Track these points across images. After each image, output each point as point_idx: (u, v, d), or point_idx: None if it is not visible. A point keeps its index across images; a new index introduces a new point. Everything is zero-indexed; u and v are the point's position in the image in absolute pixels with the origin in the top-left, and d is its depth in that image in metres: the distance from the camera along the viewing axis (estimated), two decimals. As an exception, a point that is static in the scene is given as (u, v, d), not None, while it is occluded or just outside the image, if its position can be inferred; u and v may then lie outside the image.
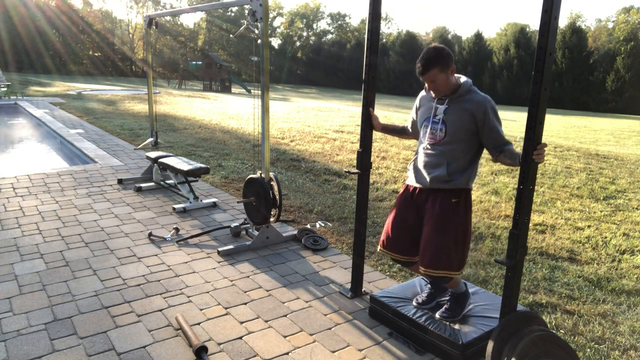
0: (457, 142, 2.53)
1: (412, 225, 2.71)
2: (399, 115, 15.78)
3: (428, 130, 2.61)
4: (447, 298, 2.84)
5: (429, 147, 2.61)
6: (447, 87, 2.52)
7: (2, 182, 5.68)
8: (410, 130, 2.95)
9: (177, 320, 2.79)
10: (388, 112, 17.90)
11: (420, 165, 2.67)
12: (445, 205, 2.56)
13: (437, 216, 2.57)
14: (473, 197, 5.56)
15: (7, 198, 5.09)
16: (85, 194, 5.35)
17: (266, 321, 2.90)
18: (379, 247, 2.85)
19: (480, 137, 2.52)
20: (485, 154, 2.72)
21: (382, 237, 2.84)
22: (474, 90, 2.53)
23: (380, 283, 3.46)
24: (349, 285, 3.36)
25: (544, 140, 2.18)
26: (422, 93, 2.74)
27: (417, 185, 2.69)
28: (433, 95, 2.61)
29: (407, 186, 2.78)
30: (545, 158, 8.59)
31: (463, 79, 2.57)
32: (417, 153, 2.74)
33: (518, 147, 2.23)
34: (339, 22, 66.81)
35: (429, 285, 2.95)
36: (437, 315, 2.74)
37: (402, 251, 2.77)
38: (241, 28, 4.04)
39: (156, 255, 3.81)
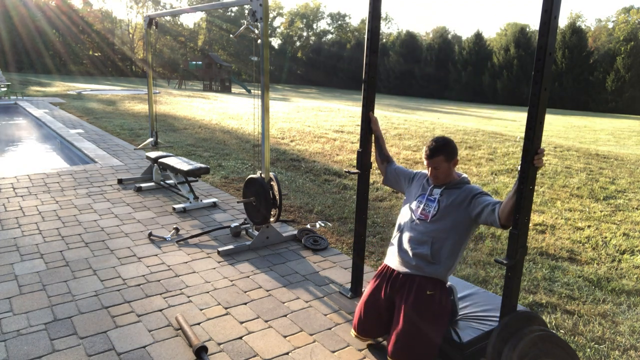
0: (446, 222, 2.55)
1: (384, 309, 2.61)
2: (399, 115, 15.78)
3: (421, 205, 2.66)
4: None
5: (418, 222, 2.63)
6: (447, 176, 2.63)
7: (2, 182, 5.68)
8: (392, 171, 3.00)
9: (177, 320, 2.79)
10: (388, 112, 17.90)
11: (405, 240, 2.63)
12: (419, 298, 2.49)
13: (410, 308, 2.47)
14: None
15: (7, 198, 5.09)
16: (85, 194, 5.35)
17: (266, 321, 2.90)
18: (352, 332, 2.73)
19: (474, 209, 2.50)
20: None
21: (355, 319, 2.71)
22: (468, 182, 2.67)
23: (380, 283, 3.45)
24: (349, 285, 3.36)
25: (544, 140, 2.19)
26: (423, 172, 2.83)
27: (395, 268, 2.63)
28: (432, 181, 2.69)
29: (385, 266, 2.71)
30: (545, 158, 8.59)
31: (463, 175, 2.70)
32: (400, 231, 2.70)
33: (518, 147, 2.23)
34: (339, 22, 66.84)
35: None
36: None
37: (373, 335, 2.68)
38: (241, 28, 4.04)
39: (156, 255, 3.81)
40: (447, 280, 2.61)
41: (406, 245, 2.62)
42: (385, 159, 3.07)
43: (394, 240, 2.73)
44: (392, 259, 2.69)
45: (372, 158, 3.13)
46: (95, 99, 16.93)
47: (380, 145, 3.08)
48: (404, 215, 2.75)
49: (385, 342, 2.66)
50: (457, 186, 2.63)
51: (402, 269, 2.60)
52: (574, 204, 5.77)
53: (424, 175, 2.81)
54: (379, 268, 2.76)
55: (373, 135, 3.06)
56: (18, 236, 4.07)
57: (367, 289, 2.74)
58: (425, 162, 2.63)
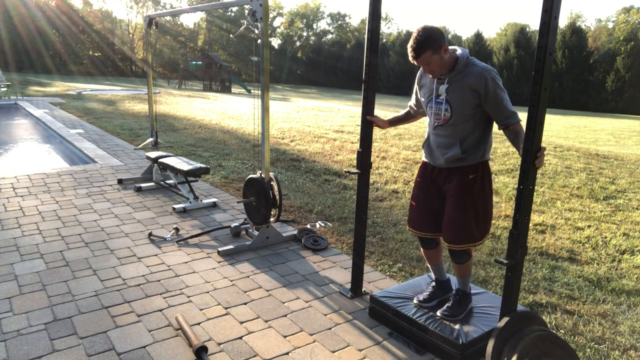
0: (465, 119, 2.51)
1: (433, 203, 2.73)
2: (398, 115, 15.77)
3: (433, 111, 2.60)
4: (451, 295, 2.85)
5: (439, 127, 2.60)
6: (442, 66, 2.46)
7: (2, 182, 5.68)
8: (415, 110, 2.94)
9: (177, 320, 2.79)
10: (388, 112, 17.89)
11: (434, 145, 2.66)
12: (463, 183, 2.57)
13: (456, 195, 2.58)
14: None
15: (7, 198, 5.09)
16: (85, 194, 5.35)
17: (266, 321, 2.90)
18: (407, 227, 2.90)
19: (485, 108, 2.48)
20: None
21: (409, 215, 2.87)
22: (472, 63, 2.46)
23: (380, 283, 3.46)
24: (349, 285, 3.36)
25: (544, 140, 2.19)
26: (421, 71, 2.70)
27: (434, 164, 2.70)
28: (430, 76, 2.58)
29: (425, 163, 2.79)
30: (545, 158, 8.58)
31: (459, 51, 2.49)
32: (428, 132, 2.73)
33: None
34: (339, 22, 66.86)
35: (432, 284, 2.96)
36: (438, 313, 2.74)
37: (427, 229, 2.79)
38: (241, 28, 4.04)
39: (156, 255, 3.81)
40: (487, 158, 2.61)
41: (437, 151, 2.64)
42: (407, 115, 3.01)
43: (426, 143, 2.74)
44: (430, 158, 2.72)
45: (372, 158, 3.13)
46: (95, 99, 16.92)
47: (399, 119, 3.06)
48: (428, 121, 2.71)
49: (435, 237, 2.82)
50: (461, 74, 2.46)
51: (442, 166, 2.64)
52: (574, 204, 5.76)
53: (423, 75, 2.68)
54: (421, 164, 2.83)
55: (390, 125, 3.07)
56: (18, 236, 4.07)
57: (415, 185, 2.84)
58: (415, 63, 2.50)
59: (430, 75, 2.56)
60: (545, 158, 8.31)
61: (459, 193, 2.58)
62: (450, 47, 2.48)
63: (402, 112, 3.07)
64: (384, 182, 6.27)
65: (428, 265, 3.00)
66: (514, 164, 7.64)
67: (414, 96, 2.87)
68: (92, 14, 49.98)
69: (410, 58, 2.46)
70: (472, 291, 2.97)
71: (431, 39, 2.37)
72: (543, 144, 2.20)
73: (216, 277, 3.47)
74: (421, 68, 2.63)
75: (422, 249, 2.94)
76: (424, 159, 2.80)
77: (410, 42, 2.42)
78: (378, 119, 3.01)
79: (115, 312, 2.94)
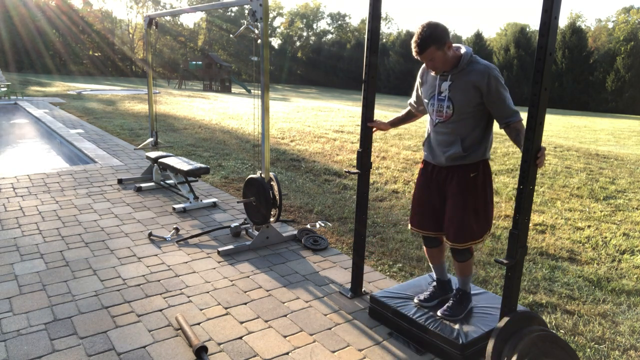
0: (466, 117, 2.50)
1: (434, 201, 2.73)
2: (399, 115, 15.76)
3: (435, 108, 2.59)
4: (452, 295, 2.85)
5: (440, 125, 2.59)
6: (446, 63, 2.46)
7: (2, 182, 5.68)
8: (415, 108, 2.93)
9: (177, 320, 2.79)
10: (388, 112, 17.89)
11: (434, 143, 2.65)
12: (464, 182, 2.58)
13: (457, 193, 2.59)
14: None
15: (7, 198, 5.09)
16: (85, 194, 5.35)
17: (266, 321, 2.90)
18: (409, 226, 2.89)
19: (487, 106, 2.48)
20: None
21: (411, 214, 2.87)
22: (475, 61, 2.47)
23: (380, 283, 3.46)
24: (349, 285, 3.36)
25: (544, 140, 2.19)
26: (423, 68, 2.69)
27: (435, 163, 2.70)
28: (433, 73, 2.57)
29: (425, 162, 2.79)
30: (545, 158, 8.58)
31: (463, 49, 2.49)
32: (428, 130, 2.73)
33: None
34: (339, 22, 66.86)
35: (433, 284, 2.96)
36: (438, 312, 2.74)
37: (428, 228, 2.79)
38: (241, 28, 4.04)
39: (156, 255, 3.81)
40: (488, 157, 2.62)
41: (437, 149, 2.64)
42: (408, 114, 3.02)
43: (426, 141, 2.74)
44: (430, 157, 2.73)
45: (372, 158, 3.13)
46: (95, 99, 16.92)
47: (400, 119, 3.07)
48: (429, 119, 2.71)
49: (438, 236, 2.82)
50: (464, 70, 2.46)
51: (443, 164, 2.64)
52: (574, 204, 5.76)
53: (425, 71, 2.67)
54: (422, 163, 2.83)
55: (391, 126, 3.10)
56: (18, 236, 4.07)
57: (416, 184, 2.84)
58: (418, 59, 2.47)
59: (433, 72, 2.56)
60: (545, 158, 8.31)
61: (460, 192, 2.59)
62: (454, 45, 2.48)
63: (402, 112, 3.07)
64: (384, 182, 6.27)
65: (430, 264, 3.00)
66: (514, 164, 7.64)
67: (414, 93, 2.86)
68: (92, 14, 49.98)
69: (414, 53, 2.46)
70: (472, 291, 2.97)
71: (435, 35, 2.37)
72: (543, 144, 2.20)
73: (216, 277, 3.47)
74: (423, 65, 2.63)
75: (424, 248, 2.94)
76: (424, 158, 2.80)
77: (415, 38, 2.42)
78: (378, 122, 3.02)
79: (115, 312, 2.94)
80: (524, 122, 2.22)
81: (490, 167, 2.66)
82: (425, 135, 2.76)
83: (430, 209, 2.76)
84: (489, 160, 2.65)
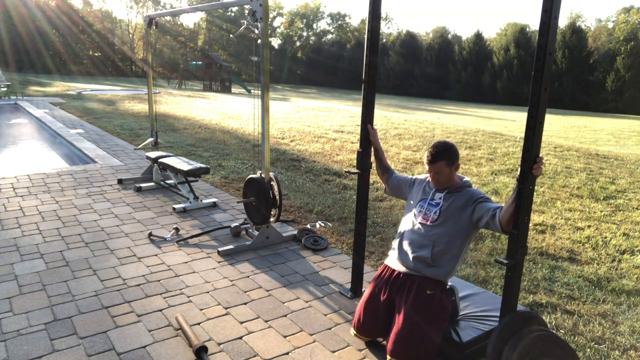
0: (447, 225, 2.56)
1: (384, 309, 2.62)
2: (399, 115, 15.78)
3: (423, 210, 2.67)
4: None
5: (420, 227, 2.64)
6: (448, 180, 2.63)
7: (2, 182, 5.68)
8: (393, 180, 3.02)
9: (177, 320, 2.79)
10: (388, 112, 17.90)
11: (406, 243, 2.66)
12: (419, 296, 2.50)
13: (409, 306, 2.48)
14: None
15: (7, 198, 5.09)
16: (85, 194, 5.35)
17: (266, 321, 2.90)
18: (352, 331, 2.74)
19: (475, 215, 2.50)
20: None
21: (355, 318, 2.73)
22: (470, 186, 2.67)
23: (380, 283, 3.45)
24: (349, 285, 3.36)
25: (544, 140, 2.19)
26: (422, 177, 2.83)
27: (395, 268, 2.65)
28: (433, 185, 2.70)
29: (385, 267, 2.73)
30: (545, 158, 8.58)
31: (465, 179, 2.69)
32: (400, 235, 2.73)
33: (518, 147, 2.22)
34: (339, 22, 66.85)
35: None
36: None
37: (373, 335, 2.68)
38: (241, 28, 4.04)
39: (156, 255, 3.81)
40: (448, 282, 2.61)
41: (407, 248, 2.63)
42: (385, 170, 3.09)
43: (395, 244, 2.75)
44: (392, 261, 2.71)
45: (372, 158, 3.13)
46: (95, 99, 16.93)
47: (379, 157, 3.09)
48: (406, 221, 2.76)
49: (384, 342, 2.65)
50: (459, 190, 2.63)
51: (402, 269, 2.62)
52: (574, 204, 5.77)
53: (424, 180, 2.82)
54: (379, 269, 2.77)
55: (372, 148, 3.08)
56: (18, 236, 4.07)
57: (367, 289, 2.74)
58: (426, 167, 2.63)
59: (433, 184, 2.69)
60: (545, 158, 8.31)
61: (412, 306, 2.48)
62: (457, 174, 2.67)
63: (387, 163, 3.11)
64: (384, 182, 6.27)
65: None
66: (514, 164, 7.64)
67: (405, 179, 2.95)
68: (92, 14, 49.99)
69: (426, 161, 2.62)
70: (471, 291, 2.97)
71: (450, 153, 2.59)
72: (543, 144, 2.20)
73: (216, 277, 3.47)
74: (423, 175, 2.81)
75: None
76: (386, 262, 2.76)
77: (431, 148, 2.62)
78: (374, 134, 3.03)
79: (115, 312, 2.94)
80: (524, 122, 2.22)
81: (448, 297, 2.56)
82: (397, 239, 2.74)
83: (374, 317, 2.64)
84: (446, 285, 2.58)
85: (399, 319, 2.49)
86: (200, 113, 13.57)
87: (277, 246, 4.09)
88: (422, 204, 2.70)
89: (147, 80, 6.23)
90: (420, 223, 2.65)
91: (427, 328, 2.45)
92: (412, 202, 2.81)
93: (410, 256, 2.59)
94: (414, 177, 2.93)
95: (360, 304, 2.72)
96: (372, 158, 3.12)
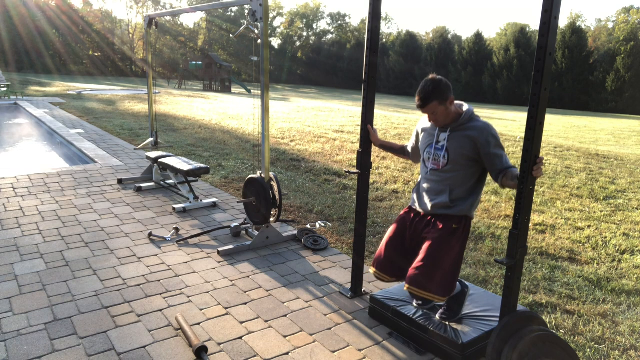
0: (459, 168, 2.54)
1: (407, 249, 2.67)
2: (398, 115, 15.78)
3: (431, 156, 2.63)
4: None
5: (432, 173, 2.63)
6: (447, 117, 2.54)
7: (2, 182, 5.68)
8: (410, 152, 2.98)
9: (177, 320, 2.79)
10: (388, 112, 17.90)
11: (424, 190, 2.67)
12: (445, 230, 2.54)
13: (434, 240, 2.53)
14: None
15: (7, 198, 5.09)
16: (85, 194, 5.35)
17: (266, 321, 2.90)
18: (371, 269, 2.79)
19: (483, 163, 2.51)
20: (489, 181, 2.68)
21: (376, 256, 2.79)
22: (475, 119, 2.55)
23: (380, 283, 3.46)
24: (349, 285, 3.36)
25: (544, 140, 2.19)
26: (424, 119, 2.76)
27: (420, 210, 2.69)
28: (435, 125, 2.63)
29: (410, 208, 2.78)
30: (546, 158, 8.58)
31: (465, 107, 2.58)
32: (418, 183, 2.76)
33: (518, 147, 2.22)
34: (339, 22, 66.82)
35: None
36: (437, 316, 2.74)
37: (390, 273, 2.72)
38: (241, 28, 4.04)
39: (156, 255, 3.81)
40: (472, 215, 2.62)
41: (426, 197, 2.65)
42: (401, 152, 3.05)
43: (416, 188, 2.76)
44: (416, 204, 2.73)
45: (372, 158, 3.13)
46: (95, 99, 16.92)
47: (390, 147, 3.09)
48: (421, 168, 2.75)
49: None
50: (462, 127, 2.53)
51: (427, 212, 2.64)
52: (574, 204, 5.76)
53: (426, 121, 2.73)
54: (403, 211, 2.81)
55: (380, 146, 3.08)
56: (18, 236, 4.07)
57: (391, 227, 2.79)
58: (421, 112, 2.55)
59: (434, 124, 2.62)
60: (546, 158, 8.30)
61: (438, 239, 2.53)
62: (456, 102, 2.57)
63: (398, 145, 3.10)
64: (384, 182, 6.27)
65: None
66: (514, 164, 7.63)
67: (413, 139, 2.90)
68: (92, 14, 50.00)
69: (417, 106, 2.52)
70: (472, 291, 2.97)
71: (439, 90, 2.46)
72: (543, 144, 2.20)
73: (216, 277, 3.47)
74: (424, 116, 2.70)
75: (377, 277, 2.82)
76: (410, 204, 2.80)
77: (418, 91, 2.49)
78: (374, 134, 3.03)
79: (115, 312, 2.94)
80: (524, 123, 2.22)
81: (471, 226, 2.63)
82: (417, 183, 2.77)
83: (397, 255, 2.70)
84: (471, 220, 2.63)
85: (422, 252, 2.56)
86: (200, 113, 13.57)
87: (277, 246, 4.09)
88: (429, 149, 2.65)
89: (147, 80, 6.23)
90: (432, 169, 2.62)
91: (446, 263, 2.51)
92: (421, 148, 2.74)
93: (430, 204, 2.61)
94: (416, 128, 2.84)
95: (383, 242, 2.78)
96: (372, 157, 3.12)
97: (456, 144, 2.52)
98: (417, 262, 2.54)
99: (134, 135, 9.41)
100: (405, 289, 2.59)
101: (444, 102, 2.48)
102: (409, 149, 2.97)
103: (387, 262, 2.71)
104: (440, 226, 2.57)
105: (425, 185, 2.67)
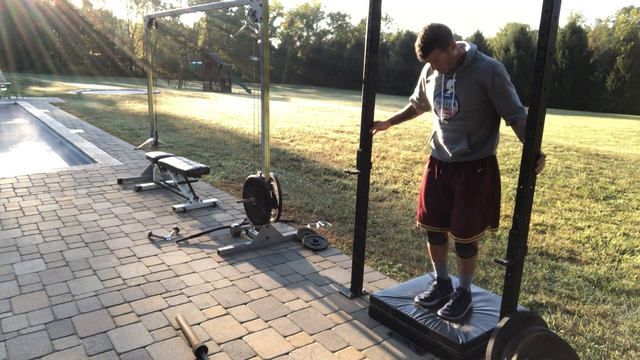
0: (472, 114, 2.51)
1: (441, 198, 2.75)
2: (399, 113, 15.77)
3: (441, 106, 2.59)
4: (452, 295, 2.85)
5: (446, 122, 2.60)
6: (450, 63, 2.46)
7: (2, 182, 5.68)
8: (417, 104, 2.92)
9: (177, 320, 2.79)
10: (388, 112, 17.89)
11: (441, 141, 2.67)
12: (470, 178, 2.58)
13: (464, 190, 2.59)
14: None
15: (7, 198, 5.09)
16: (85, 194, 5.35)
17: (266, 321, 2.90)
18: (417, 222, 2.90)
19: (493, 103, 2.47)
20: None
21: (418, 211, 2.88)
22: (480, 57, 2.46)
23: (380, 283, 3.46)
24: (349, 285, 3.36)
25: (544, 140, 2.19)
26: (427, 67, 2.70)
27: (441, 159, 2.70)
28: (439, 72, 2.58)
29: (432, 160, 2.79)
30: (545, 158, 8.57)
31: (467, 47, 2.48)
32: (434, 133, 2.74)
33: (518, 147, 2.23)
34: (339, 22, 66.85)
35: (434, 283, 2.96)
36: (438, 312, 2.74)
37: (434, 224, 2.81)
38: (241, 28, 4.04)
39: (156, 255, 3.81)
40: (494, 153, 2.63)
41: (445, 147, 2.65)
42: (409, 111, 3.02)
43: (433, 137, 2.76)
44: (437, 154, 2.74)
45: (372, 158, 3.13)
46: (95, 99, 16.92)
47: (400, 117, 3.07)
48: (434, 118, 2.73)
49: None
50: (469, 68, 2.46)
51: (449, 160, 2.66)
52: (574, 204, 5.76)
53: (429, 69, 2.67)
54: (429, 160, 2.83)
55: (391, 124, 3.09)
56: (18, 236, 4.07)
57: (423, 180, 2.85)
58: (422, 61, 2.50)
59: (437, 72, 2.59)
60: (545, 158, 8.30)
61: (467, 188, 2.59)
62: (458, 43, 2.48)
63: (403, 108, 3.07)
64: (384, 182, 6.27)
65: (432, 262, 3.00)
66: (514, 164, 7.64)
67: (417, 90, 2.86)
68: (92, 14, 50.01)
69: (418, 57, 2.46)
70: (472, 291, 2.97)
71: (438, 37, 2.37)
72: (543, 144, 2.20)
73: (216, 277, 3.47)
74: (428, 64, 2.64)
75: (428, 245, 2.95)
76: (431, 154, 2.81)
77: (418, 41, 2.42)
78: (378, 124, 3.01)
79: (115, 312, 2.94)
80: (525, 122, 2.22)
81: (497, 162, 2.66)
82: (433, 132, 2.77)
83: (436, 205, 2.78)
84: (495, 156, 2.66)
85: (456, 203, 2.63)
86: (200, 113, 13.57)
87: (277, 246, 4.09)
88: (438, 99, 2.61)
89: (147, 80, 6.23)
90: (445, 119, 2.60)
91: (481, 206, 2.59)
92: (430, 98, 2.70)
93: (450, 153, 2.61)
94: (421, 77, 2.78)
95: (420, 197, 2.87)
96: (373, 156, 3.12)
97: (464, 90, 2.47)
98: (457, 214, 2.62)
99: (134, 135, 9.41)
100: (453, 240, 2.68)
101: (445, 48, 2.39)
102: (415, 101, 2.91)
103: (431, 214, 2.80)
104: (465, 175, 2.59)
105: (441, 135, 2.66)
